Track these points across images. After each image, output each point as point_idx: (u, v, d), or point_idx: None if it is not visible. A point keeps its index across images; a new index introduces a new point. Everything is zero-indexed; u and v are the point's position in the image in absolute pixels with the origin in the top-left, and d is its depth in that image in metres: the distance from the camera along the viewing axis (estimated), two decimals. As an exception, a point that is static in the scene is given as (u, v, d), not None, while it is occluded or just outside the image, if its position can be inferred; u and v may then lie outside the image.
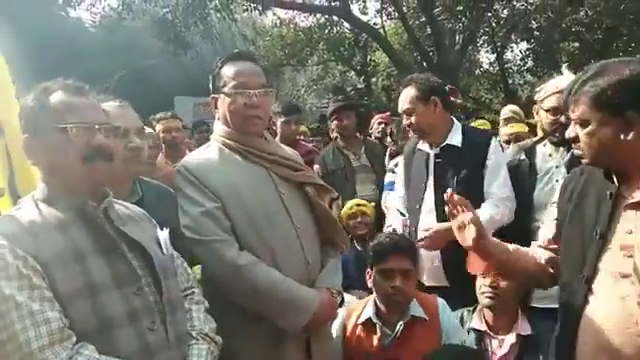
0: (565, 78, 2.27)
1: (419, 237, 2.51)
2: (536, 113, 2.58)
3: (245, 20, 14.37)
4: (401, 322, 2.15)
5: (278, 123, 3.95)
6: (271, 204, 1.85)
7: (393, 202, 2.96)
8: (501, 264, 1.71)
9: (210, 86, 1.94)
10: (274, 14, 13.63)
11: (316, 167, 3.80)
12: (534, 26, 9.81)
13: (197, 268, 1.95)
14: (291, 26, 14.03)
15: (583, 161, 1.54)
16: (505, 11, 10.00)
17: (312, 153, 4.15)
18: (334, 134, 4.11)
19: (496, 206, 2.46)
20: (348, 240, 2.09)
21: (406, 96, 2.60)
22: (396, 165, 3.21)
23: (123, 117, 1.80)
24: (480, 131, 3.29)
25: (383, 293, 2.18)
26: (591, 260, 1.47)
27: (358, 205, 3.30)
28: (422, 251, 2.63)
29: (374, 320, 2.20)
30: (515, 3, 9.76)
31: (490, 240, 1.67)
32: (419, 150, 2.71)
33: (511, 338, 2.21)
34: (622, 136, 1.38)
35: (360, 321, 2.23)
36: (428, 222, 2.55)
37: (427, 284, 2.65)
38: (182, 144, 3.82)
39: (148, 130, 3.22)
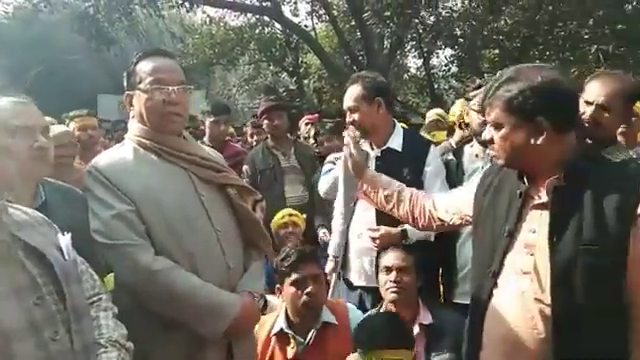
0: None
1: (368, 236, 2.52)
2: (466, 114, 2.66)
3: (173, 17, 13.97)
4: (313, 329, 2.20)
5: (207, 123, 3.85)
6: (190, 207, 1.77)
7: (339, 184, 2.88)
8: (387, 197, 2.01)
9: (125, 83, 1.84)
10: (203, 12, 13.37)
11: (245, 167, 3.73)
12: (458, 33, 10.20)
13: (112, 276, 1.84)
14: (221, 25, 13.82)
15: (498, 162, 1.60)
16: (431, 18, 10.31)
17: (241, 154, 4.09)
18: (259, 136, 4.04)
19: None
20: (271, 243, 2.05)
21: (351, 93, 2.58)
22: (337, 159, 3.19)
23: (25, 115, 1.66)
24: (420, 137, 3.34)
25: (297, 302, 2.20)
26: (498, 256, 1.54)
27: (290, 215, 3.25)
28: (352, 251, 2.65)
29: (286, 331, 2.23)
30: (440, 10, 10.10)
31: (372, 171, 2.13)
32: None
33: (415, 329, 2.28)
34: (532, 140, 1.44)
35: (272, 333, 2.26)
36: (366, 219, 2.57)
37: (356, 284, 2.66)
38: (97, 144, 3.62)
39: (63, 128, 3.03)
